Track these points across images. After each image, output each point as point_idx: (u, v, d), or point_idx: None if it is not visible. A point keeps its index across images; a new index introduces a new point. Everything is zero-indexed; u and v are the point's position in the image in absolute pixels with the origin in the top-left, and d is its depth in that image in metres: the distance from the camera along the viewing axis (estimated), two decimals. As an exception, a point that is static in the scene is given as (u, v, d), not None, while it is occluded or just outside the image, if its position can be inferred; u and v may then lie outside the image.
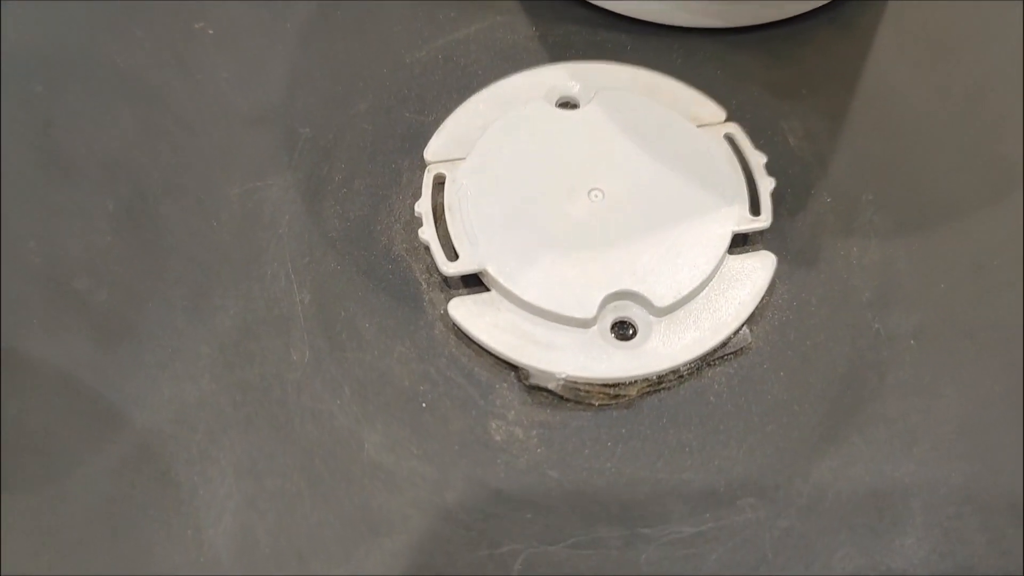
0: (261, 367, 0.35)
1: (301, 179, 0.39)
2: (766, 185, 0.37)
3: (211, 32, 0.43)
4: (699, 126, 0.39)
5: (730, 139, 0.39)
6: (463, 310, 0.35)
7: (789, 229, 0.38)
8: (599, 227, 0.36)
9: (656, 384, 0.34)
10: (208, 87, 0.42)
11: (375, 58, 0.43)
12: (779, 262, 0.36)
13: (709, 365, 0.35)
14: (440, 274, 0.36)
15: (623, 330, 0.35)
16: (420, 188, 0.38)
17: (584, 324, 0.35)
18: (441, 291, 0.37)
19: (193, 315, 0.36)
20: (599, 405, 0.34)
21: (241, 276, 0.37)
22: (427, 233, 0.36)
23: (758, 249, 0.37)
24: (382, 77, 0.42)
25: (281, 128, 0.41)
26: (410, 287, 0.37)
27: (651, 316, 0.35)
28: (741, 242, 0.37)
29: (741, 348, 0.35)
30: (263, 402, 0.34)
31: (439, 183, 0.38)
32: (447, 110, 0.41)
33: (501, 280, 0.35)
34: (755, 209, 0.37)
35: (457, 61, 0.43)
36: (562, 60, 0.42)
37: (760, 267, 0.36)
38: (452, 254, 0.36)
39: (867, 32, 0.44)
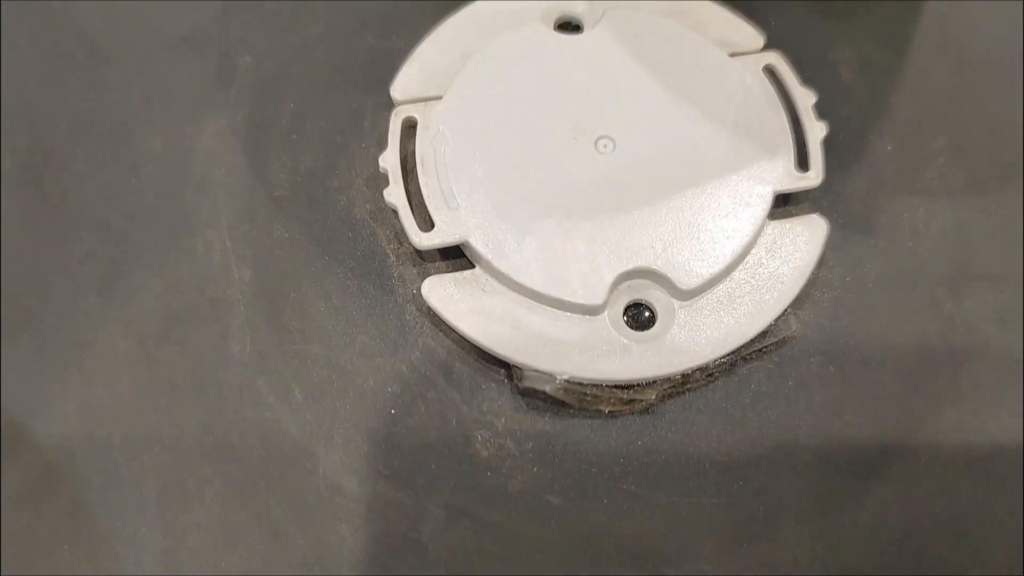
0: (191, 364, 0.28)
1: (239, 123, 0.32)
2: (816, 132, 0.30)
3: (126, -67, 0.35)
4: (732, 55, 0.31)
5: (770, 72, 0.31)
6: (440, 292, 0.28)
7: (841, 186, 0.31)
8: (609, 187, 0.29)
9: (680, 385, 0.28)
10: (126, 5, 0.34)
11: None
12: (830, 228, 0.29)
13: (744, 360, 0.28)
14: (412, 245, 0.28)
15: (639, 315, 0.28)
16: (386, 135, 0.30)
17: (591, 311, 0.28)
18: (414, 265, 0.30)
19: (107, 298, 0.29)
20: (610, 412, 0.28)
21: (166, 248, 0.30)
22: (395, 195, 0.29)
23: (805, 212, 0.30)
24: (339, -8, 0.34)
25: (214, 56, 0.33)
26: (375, 260, 0.30)
27: (674, 300, 0.28)
28: (783, 203, 0.30)
29: (784, 338, 0.29)
30: (194, 409, 0.28)
31: (410, 128, 0.30)
32: (419, 34, 0.33)
33: (487, 255, 0.28)
34: (802, 162, 0.30)
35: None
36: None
37: (808, 235, 0.29)
38: (426, 221, 0.29)
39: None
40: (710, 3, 0.33)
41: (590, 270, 0.28)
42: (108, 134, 0.31)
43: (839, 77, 0.33)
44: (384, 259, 0.30)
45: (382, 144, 0.31)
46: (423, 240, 0.28)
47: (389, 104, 0.31)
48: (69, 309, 0.29)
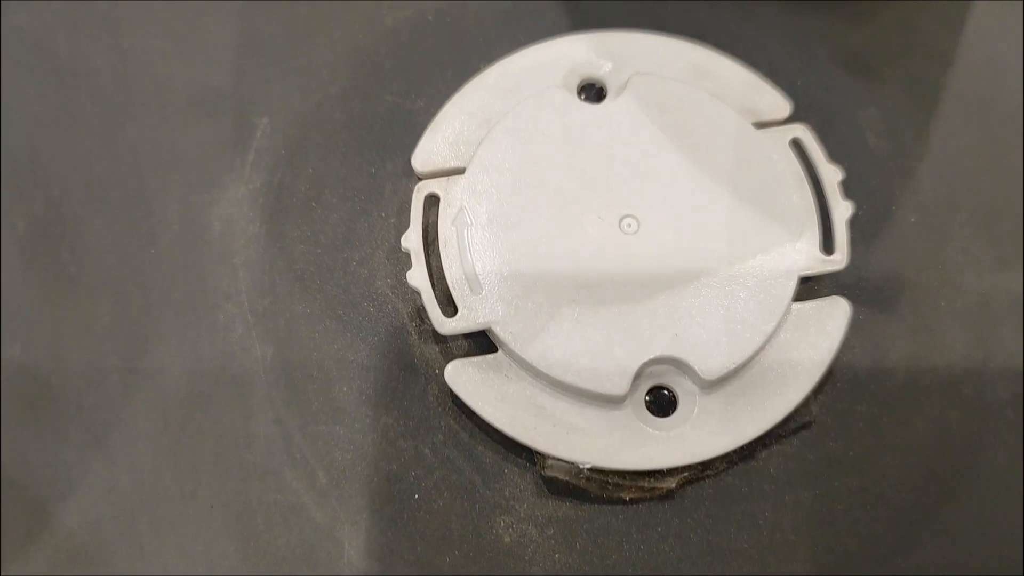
0: (215, 446, 0.28)
1: (258, 189, 0.31)
2: (842, 212, 0.30)
3: (138, -17, 0.34)
4: (759, 125, 0.31)
5: (797, 145, 0.30)
6: (464, 378, 0.28)
7: (864, 262, 0.31)
8: (633, 270, 0.29)
9: (699, 471, 0.28)
10: (138, 62, 0.33)
11: (347, 19, 0.33)
12: (853, 309, 0.29)
13: (764, 445, 0.28)
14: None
15: (660, 399, 0.28)
16: (407, 202, 0.30)
17: (614, 401, 0.28)
18: (436, 343, 0.29)
19: (129, 377, 0.29)
20: (631, 499, 0.28)
21: (187, 323, 0.30)
22: (417, 278, 0.28)
23: (827, 291, 0.30)
24: (357, 46, 0.33)
25: (231, 116, 0.32)
26: (398, 338, 0.30)
27: (696, 387, 0.28)
28: (805, 279, 0.30)
29: (803, 423, 0.28)
30: (219, 492, 0.28)
31: (432, 201, 0.30)
32: (440, 93, 0.32)
33: (511, 344, 0.28)
34: (827, 243, 0.29)
35: (453, 23, 0.34)
36: (584, 25, 0.33)
37: (830, 318, 0.29)
38: (449, 302, 0.28)
39: (968, -14, 0.35)
40: (736, 65, 0.32)
41: (614, 359, 0.27)
42: (124, 200, 0.31)
43: (864, 141, 0.32)
44: (407, 337, 0.30)
45: (403, 212, 0.31)
46: (446, 326, 0.28)
47: (409, 169, 0.30)
48: (91, 388, 0.29)
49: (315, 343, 0.29)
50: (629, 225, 0.29)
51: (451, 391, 0.28)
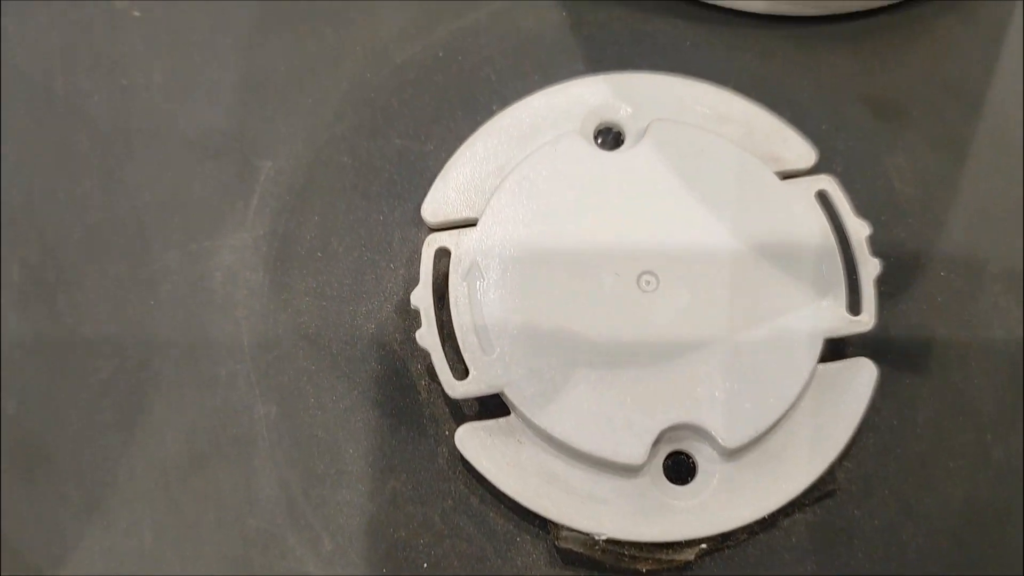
0: (216, 509, 0.27)
1: (261, 237, 0.30)
2: (870, 270, 0.28)
3: (137, 14, 0.32)
4: (784, 175, 0.30)
5: (823, 197, 0.29)
6: (475, 442, 0.27)
7: (891, 319, 0.29)
8: (652, 331, 0.27)
9: (719, 542, 0.27)
10: (138, 102, 0.31)
11: (354, 57, 0.32)
12: (879, 370, 0.28)
13: (786, 513, 0.27)
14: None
15: (679, 464, 0.27)
16: (416, 252, 0.29)
17: (631, 471, 0.27)
18: (447, 403, 0.28)
19: (127, 435, 0.28)
20: (648, 571, 0.27)
21: (187, 379, 0.29)
22: (427, 339, 0.27)
23: (852, 351, 0.29)
24: (364, 85, 0.32)
25: (234, 160, 0.31)
26: (406, 396, 0.29)
27: (716, 454, 0.27)
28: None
29: (827, 491, 0.28)
30: (220, 558, 0.27)
31: (443, 254, 0.28)
32: (451, 136, 0.31)
33: (524, 409, 0.27)
34: (853, 302, 0.28)
35: (463, 61, 0.32)
36: (602, 66, 0.31)
37: (856, 381, 0.28)
38: (460, 363, 0.27)
39: (999, 26, 0.33)
40: (759, 110, 0.30)
41: (631, 427, 0.26)
42: (123, 247, 0.30)
43: (891, 188, 0.31)
44: (415, 396, 0.29)
45: (412, 263, 0.29)
46: (457, 390, 0.27)
47: (419, 216, 0.29)
48: (88, 446, 0.28)
49: (320, 402, 0.28)
50: (648, 282, 0.28)
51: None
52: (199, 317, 0.29)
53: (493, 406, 0.28)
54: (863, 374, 0.28)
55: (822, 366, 0.28)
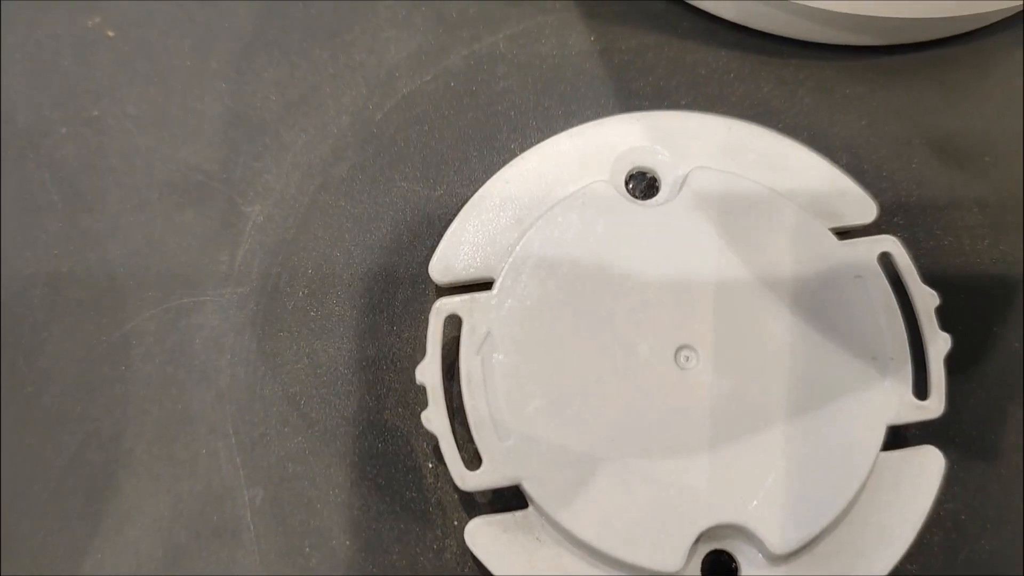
0: (195, 610, 0.24)
1: (248, 293, 0.27)
2: (939, 347, 0.25)
3: (111, 35, 0.29)
4: (840, 232, 0.26)
5: (886, 260, 0.26)
6: (488, 538, 0.24)
7: (960, 399, 0.26)
8: (691, 416, 0.24)
9: (764, 658, 0.24)
10: (109, 137, 0.28)
11: (354, 87, 0.29)
12: (946, 460, 0.25)
13: (840, 621, 0.24)
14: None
15: (717, 569, 0.24)
16: (423, 313, 0.26)
17: (666, 577, 0.23)
18: (456, 490, 0.25)
19: (95, 521, 0.25)
20: None
21: (163, 457, 0.26)
22: (435, 421, 0.24)
23: (916, 439, 0.26)
24: (365, 119, 0.28)
25: (218, 204, 0.28)
26: (410, 480, 0.25)
27: (763, 558, 0.24)
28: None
29: (887, 596, 0.24)
30: (199, 667, 0.24)
31: (454, 321, 0.25)
32: (464, 179, 0.28)
33: (543, 503, 0.23)
34: (920, 384, 0.25)
35: (478, 94, 0.29)
36: (635, 101, 0.28)
37: (922, 472, 0.25)
38: (472, 454, 0.24)
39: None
40: (813, 156, 0.27)
41: (666, 528, 0.23)
42: (91, 304, 0.27)
43: (963, 250, 0.28)
44: (421, 479, 0.25)
45: (418, 325, 0.26)
46: (469, 482, 0.24)
47: (426, 272, 0.26)
48: (53, 535, 0.25)
49: (313, 485, 0.25)
50: (686, 358, 0.25)
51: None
52: (176, 386, 0.26)
53: (509, 495, 0.25)
54: (929, 464, 0.25)
55: (883, 455, 0.25)
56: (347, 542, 0.25)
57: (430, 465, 0.26)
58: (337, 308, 0.27)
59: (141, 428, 0.26)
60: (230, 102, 0.28)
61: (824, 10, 0.27)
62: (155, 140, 0.28)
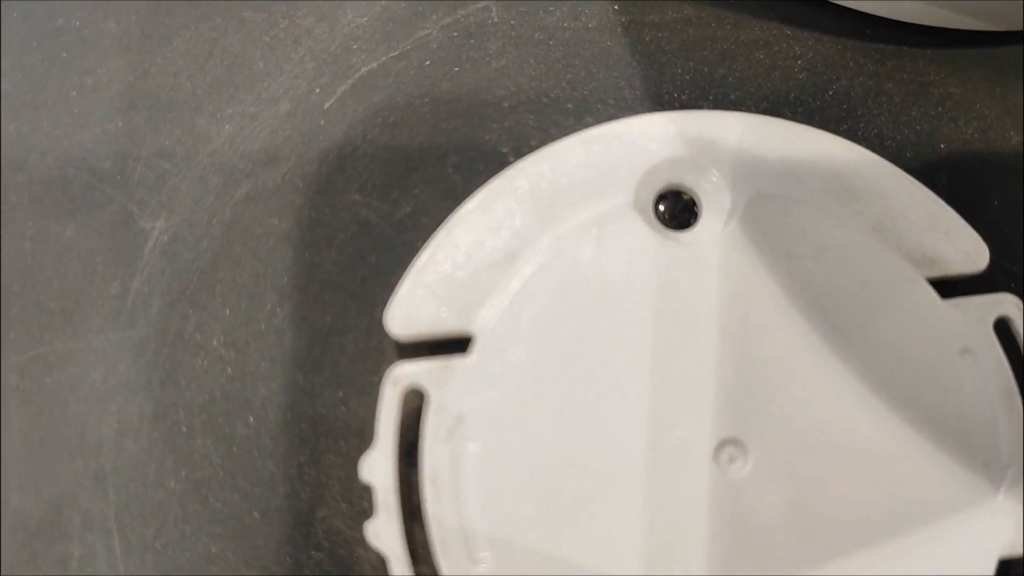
0: None
1: (143, 339, 0.21)
2: (1073, 453, 0.19)
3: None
4: (940, 282, 0.20)
5: (1003, 328, 0.20)
6: None
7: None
8: (734, 539, 0.18)
9: None
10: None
11: (296, 64, 0.22)
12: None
13: None
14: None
15: None
16: (374, 378, 0.20)
17: None
18: (411, 617, 0.19)
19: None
20: None
21: (21, 561, 0.19)
22: (383, 536, 0.18)
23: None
24: (310, 107, 0.22)
25: (109, 214, 0.21)
26: (352, 603, 0.19)
27: None
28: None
29: None
30: None
31: (415, 397, 0.19)
32: (438, 197, 0.21)
33: (531, 659, 0.18)
34: (1044, 502, 0.19)
35: (461, 75, 0.22)
36: (672, 96, 0.22)
37: (1038, 618, 0.19)
38: (433, 569, 0.18)
39: None
40: (909, 181, 0.21)
41: None
42: (-66, 347, 0.20)
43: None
44: (365, 602, 0.19)
45: (366, 393, 0.20)
46: (427, 623, 0.18)
47: (380, 322, 0.20)
48: None
49: (222, 607, 0.19)
50: (730, 458, 0.19)
51: None
52: (44, 462, 0.20)
53: (483, 631, 0.19)
54: (1048, 608, 0.19)
55: (985, 589, 0.19)
56: None
57: (379, 582, 0.20)
58: (262, 364, 0.20)
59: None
60: (131, 77, 0.22)
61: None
62: (29, 126, 0.22)
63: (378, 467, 0.19)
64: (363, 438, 0.20)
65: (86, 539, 0.20)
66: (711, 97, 0.22)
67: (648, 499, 0.18)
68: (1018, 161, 0.22)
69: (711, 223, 0.20)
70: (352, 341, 0.21)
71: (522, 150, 0.21)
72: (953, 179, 0.22)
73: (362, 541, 0.20)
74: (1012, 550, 0.19)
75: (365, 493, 0.20)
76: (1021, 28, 0.23)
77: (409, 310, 0.20)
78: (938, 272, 0.20)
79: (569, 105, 0.22)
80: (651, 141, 0.21)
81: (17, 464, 0.20)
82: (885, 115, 0.22)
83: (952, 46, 0.23)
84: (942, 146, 0.22)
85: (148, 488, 0.20)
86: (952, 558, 0.19)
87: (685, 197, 0.21)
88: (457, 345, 0.20)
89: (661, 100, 0.22)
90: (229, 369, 0.21)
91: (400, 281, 0.20)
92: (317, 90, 0.22)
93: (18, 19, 0.22)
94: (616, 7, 0.23)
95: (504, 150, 0.22)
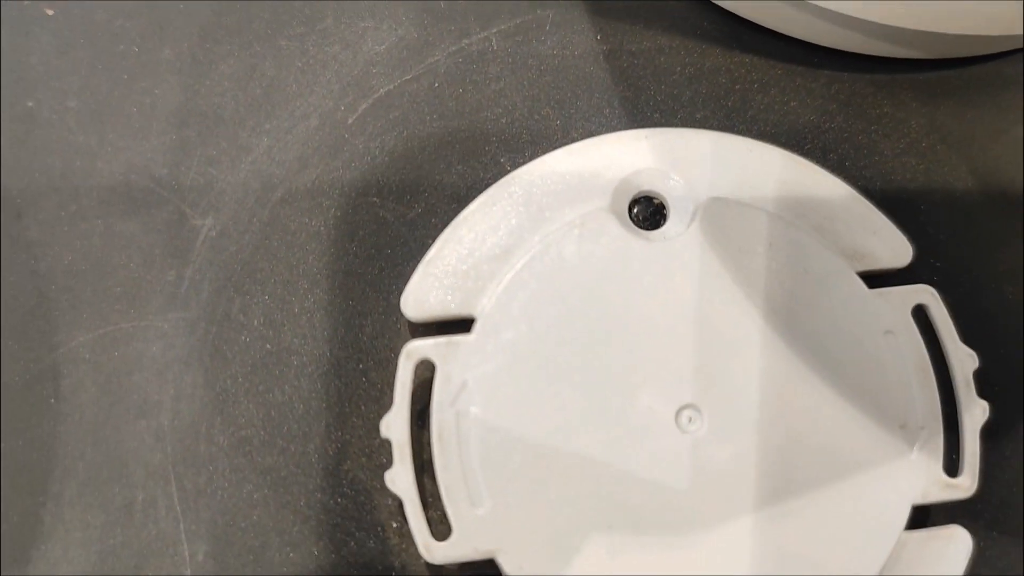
0: None
1: (196, 319, 0.25)
2: (975, 417, 0.23)
3: (50, 13, 0.26)
4: (869, 275, 0.24)
5: (920, 313, 0.24)
6: (455, 617, 0.22)
7: (992, 475, 0.24)
8: (693, 486, 0.22)
9: None
10: (43, 124, 0.26)
11: (324, 85, 0.26)
12: (974, 541, 0.23)
13: None
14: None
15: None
16: (393, 352, 0.24)
17: (655, 670, 0.22)
18: (424, 555, 0.23)
19: (17, 570, 0.23)
20: None
21: (94, 503, 0.24)
22: (400, 482, 0.22)
23: (941, 520, 0.24)
24: (336, 123, 0.26)
25: (164, 215, 0.25)
26: (372, 541, 0.24)
27: (765, 652, 0.22)
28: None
29: None
30: None
31: (427, 366, 0.23)
32: (445, 199, 0.25)
33: (522, 583, 0.22)
34: (951, 458, 0.23)
35: (466, 97, 0.26)
36: (645, 114, 0.26)
37: (946, 556, 0.23)
38: (441, 514, 0.22)
39: None
40: (846, 189, 0.25)
41: (659, 617, 0.21)
42: (17, 325, 0.24)
43: (1005, 302, 0.25)
44: (384, 540, 0.23)
45: (386, 366, 0.24)
46: (436, 553, 0.22)
47: (397, 306, 0.24)
48: (-35, 590, 0.23)
49: (263, 542, 0.23)
50: (689, 419, 0.23)
51: (439, 627, 0.22)
52: (112, 423, 0.24)
53: (483, 566, 0.23)
54: (955, 547, 0.23)
55: (904, 535, 0.23)
56: (299, 611, 0.23)
57: (395, 524, 0.24)
58: (296, 341, 0.24)
59: (70, 469, 0.24)
60: (183, 97, 0.26)
61: (865, 20, 0.25)
62: (97, 138, 0.25)
63: (395, 425, 0.22)
64: (381, 404, 0.24)
65: (148, 486, 0.24)
66: (680, 116, 0.26)
67: (621, 453, 0.22)
68: (943, 170, 0.26)
69: (676, 224, 0.24)
70: (371, 322, 0.25)
71: (517, 160, 0.25)
72: (886, 186, 0.26)
73: (381, 490, 0.24)
74: (923, 498, 0.23)
75: (383, 450, 0.24)
76: (948, 56, 0.27)
77: (420, 296, 0.24)
78: (868, 266, 0.24)
79: (557, 122, 0.26)
80: (626, 154, 0.25)
81: (89, 425, 0.24)
82: (828, 131, 0.26)
83: (888, 72, 0.27)
84: (876, 158, 0.26)
85: (200, 444, 0.24)
86: (874, 504, 0.22)
87: (655, 202, 0.25)
88: (461, 325, 0.23)
89: (637, 118, 0.26)
90: (268, 345, 0.24)
91: (413, 272, 0.24)
92: (342, 108, 0.26)
93: (84, 45, 0.26)
94: (599, 37, 0.27)
95: (502, 160, 0.26)
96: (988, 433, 0.24)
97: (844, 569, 0.22)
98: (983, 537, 0.24)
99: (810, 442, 0.23)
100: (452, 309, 0.24)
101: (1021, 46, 0.27)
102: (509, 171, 0.25)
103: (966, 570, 0.23)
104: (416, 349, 0.23)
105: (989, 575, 0.24)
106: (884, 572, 0.23)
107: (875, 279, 0.24)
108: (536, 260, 0.23)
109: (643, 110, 0.26)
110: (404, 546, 0.23)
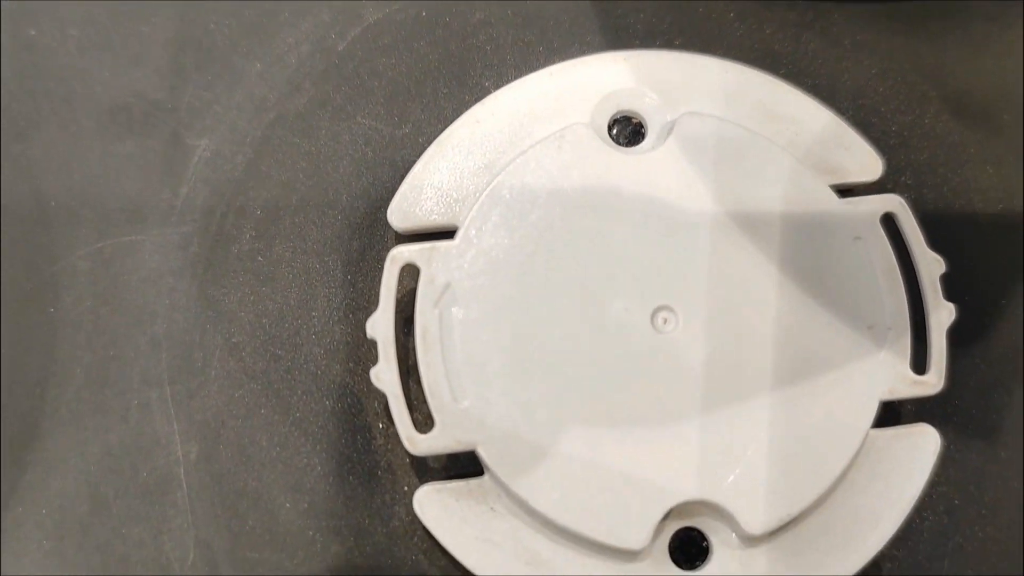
0: (119, 570, 0.24)
1: (191, 233, 0.26)
2: (942, 318, 0.25)
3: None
4: (841, 189, 0.26)
5: (889, 221, 0.25)
6: (438, 508, 0.23)
7: (961, 376, 0.26)
8: (665, 383, 0.24)
9: (733, 646, 0.23)
10: (45, 52, 0.27)
11: (315, 15, 0.28)
12: (942, 440, 0.24)
13: (818, 612, 0.24)
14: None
15: (688, 548, 0.24)
16: (379, 263, 0.25)
17: (630, 555, 0.23)
18: (407, 454, 0.25)
19: (15, 474, 0.25)
20: (643, 677, 0.23)
21: (90, 407, 0.25)
22: (385, 379, 0.24)
23: (911, 417, 0.25)
24: (326, 48, 0.28)
25: (161, 136, 0.27)
26: (358, 441, 0.25)
27: (736, 538, 0.23)
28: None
29: (871, 587, 0.24)
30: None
31: (410, 271, 0.25)
32: (431, 119, 0.27)
33: (500, 471, 0.23)
34: (919, 358, 0.24)
35: (452, 24, 0.28)
36: (624, 39, 0.27)
37: (914, 452, 0.24)
38: (425, 415, 0.24)
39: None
40: (817, 106, 0.26)
41: (632, 503, 0.23)
42: (19, 240, 0.26)
43: (974, 212, 0.27)
44: (370, 441, 0.25)
45: (373, 274, 0.26)
46: (419, 445, 0.23)
47: (384, 220, 0.25)
48: (-29, 487, 0.24)
49: (253, 442, 0.25)
50: (664, 320, 0.24)
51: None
52: (109, 331, 0.25)
53: (465, 460, 0.24)
54: (924, 444, 0.24)
55: (874, 432, 0.24)
56: (287, 504, 0.24)
57: (380, 425, 0.25)
58: (286, 253, 0.26)
59: (69, 374, 0.25)
60: (180, 25, 0.27)
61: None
62: (97, 64, 0.27)
63: (380, 325, 0.24)
64: (368, 312, 0.25)
65: (143, 391, 0.25)
66: (658, 42, 0.28)
67: (599, 352, 0.24)
68: (912, 95, 0.28)
69: (653, 140, 0.26)
70: (359, 234, 0.26)
71: (501, 82, 0.27)
72: (857, 108, 0.27)
73: (367, 392, 0.25)
74: (891, 394, 0.24)
75: (370, 355, 0.25)
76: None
77: (407, 208, 0.25)
78: (840, 179, 0.26)
79: (540, 47, 0.28)
80: (606, 75, 0.26)
81: (87, 333, 0.25)
82: (802, 56, 0.28)
83: (862, 1, 0.28)
84: (849, 82, 0.28)
85: (192, 350, 0.25)
86: (844, 400, 0.24)
87: (634, 121, 0.27)
88: (445, 235, 0.25)
89: (616, 43, 0.27)
90: (259, 257, 0.26)
91: (399, 186, 0.25)
92: (332, 35, 0.27)
93: (85, -22, 0.28)
94: (581, -32, 0.28)
95: (486, 83, 0.27)
96: (958, 340, 0.25)
97: (814, 463, 0.23)
98: (953, 439, 0.25)
99: (781, 341, 0.24)
100: (436, 220, 0.25)
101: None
102: (493, 92, 0.26)
103: (935, 468, 0.24)
104: (400, 254, 0.24)
105: (957, 474, 0.25)
106: (854, 468, 0.24)
107: (848, 193, 0.26)
108: (517, 171, 0.25)
109: (623, 36, 0.28)
110: (390, 446, 0.25)
